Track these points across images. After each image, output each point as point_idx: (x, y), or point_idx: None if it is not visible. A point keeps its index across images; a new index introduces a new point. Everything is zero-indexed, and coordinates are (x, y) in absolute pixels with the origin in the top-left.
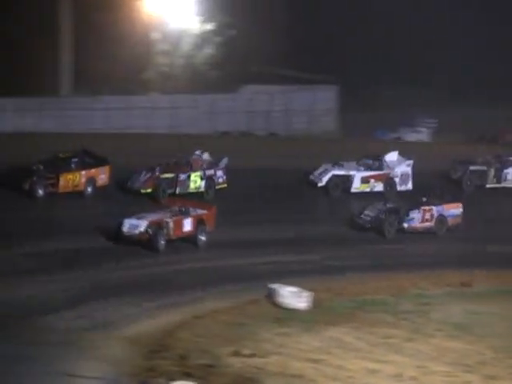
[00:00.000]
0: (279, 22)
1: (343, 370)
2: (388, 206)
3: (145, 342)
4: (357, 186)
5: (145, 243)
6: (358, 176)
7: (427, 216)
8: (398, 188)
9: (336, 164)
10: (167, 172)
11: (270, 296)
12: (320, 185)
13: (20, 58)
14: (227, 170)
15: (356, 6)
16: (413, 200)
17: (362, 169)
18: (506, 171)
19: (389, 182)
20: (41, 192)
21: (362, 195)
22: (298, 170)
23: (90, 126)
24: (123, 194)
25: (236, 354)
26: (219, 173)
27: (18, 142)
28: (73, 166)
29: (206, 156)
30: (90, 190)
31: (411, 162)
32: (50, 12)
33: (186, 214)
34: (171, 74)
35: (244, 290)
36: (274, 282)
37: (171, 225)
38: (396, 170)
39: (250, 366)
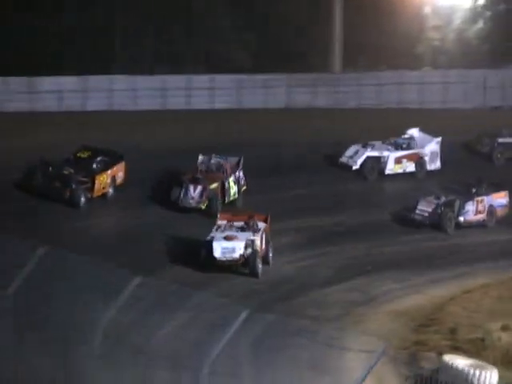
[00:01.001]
0: None
1: None
2: (443, 199)
3: (413, 315)
4: (391, 168)
5: (241, 267)
6: (391, 157)
7: (480, 208)
8: (428, 167)
9: (366, 144)
10: (209, 181)
11: None
12: (355, 168)
13: (293, 36)
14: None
15: None
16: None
17: (392, 149)
18: None
19: (419, 161)
20: (83, 199)
21: (396, 177)
22: None
23: (362, 102)
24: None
25: (506, 328)
26: (241, 174)
27: (290, 119)
28: (98, 165)
29: (214, 158)
30: (111, 191)
31: (439, 139)
32: None
33: (259, 230)
34: (443, 48)
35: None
36: None
37: (258, 243)
38: (425, 148)
39: None
